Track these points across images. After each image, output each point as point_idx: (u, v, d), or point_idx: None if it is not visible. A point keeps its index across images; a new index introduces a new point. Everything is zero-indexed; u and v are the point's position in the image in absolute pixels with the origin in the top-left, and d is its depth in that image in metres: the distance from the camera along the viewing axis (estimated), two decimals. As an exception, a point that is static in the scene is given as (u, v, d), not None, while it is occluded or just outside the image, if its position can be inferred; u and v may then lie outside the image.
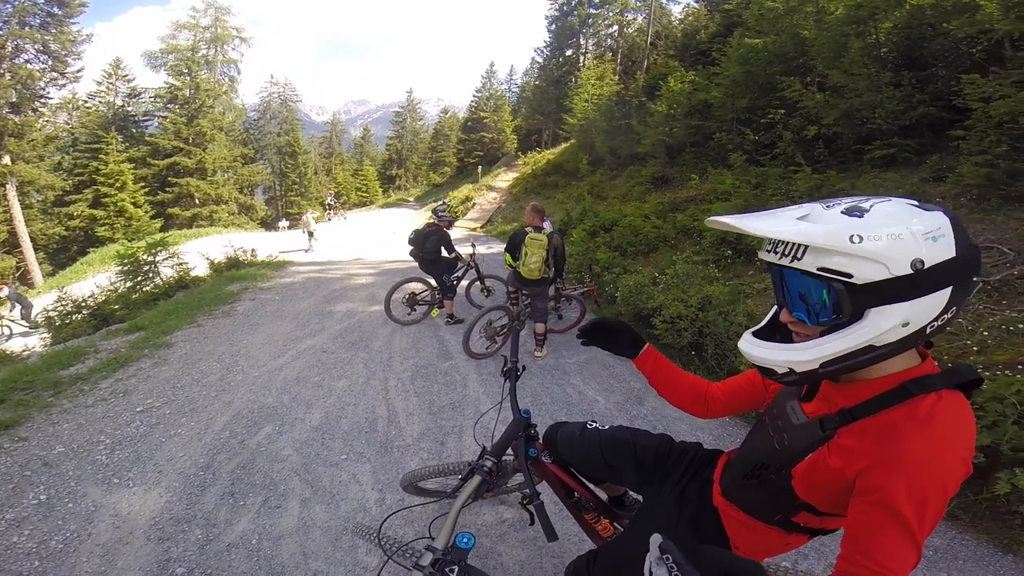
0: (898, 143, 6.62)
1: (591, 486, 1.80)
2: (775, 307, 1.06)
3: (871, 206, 0.85)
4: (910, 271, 0.80)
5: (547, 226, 6.15)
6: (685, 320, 4.77)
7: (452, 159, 44.52)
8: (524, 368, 1.82)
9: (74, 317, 8.38)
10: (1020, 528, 2.57)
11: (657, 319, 5.02)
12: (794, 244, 0.87)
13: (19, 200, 22.21)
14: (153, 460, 3.21)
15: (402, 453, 3.30)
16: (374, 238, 16.45)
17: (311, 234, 15.18)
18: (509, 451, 1.60)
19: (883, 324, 0.83)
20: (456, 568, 1.09)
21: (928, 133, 6.63)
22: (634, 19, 29.77)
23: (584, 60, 30.38)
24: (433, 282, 6.07)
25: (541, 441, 1.77)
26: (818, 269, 0.84)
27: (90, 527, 2.60)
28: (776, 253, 0.91)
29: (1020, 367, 3.10)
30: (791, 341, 0.97)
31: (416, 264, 5.94)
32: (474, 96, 41.90)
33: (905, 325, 0.83)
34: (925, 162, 6.18)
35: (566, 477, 1.73)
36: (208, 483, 2.98)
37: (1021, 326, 3.41)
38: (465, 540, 1.15)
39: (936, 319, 0.84)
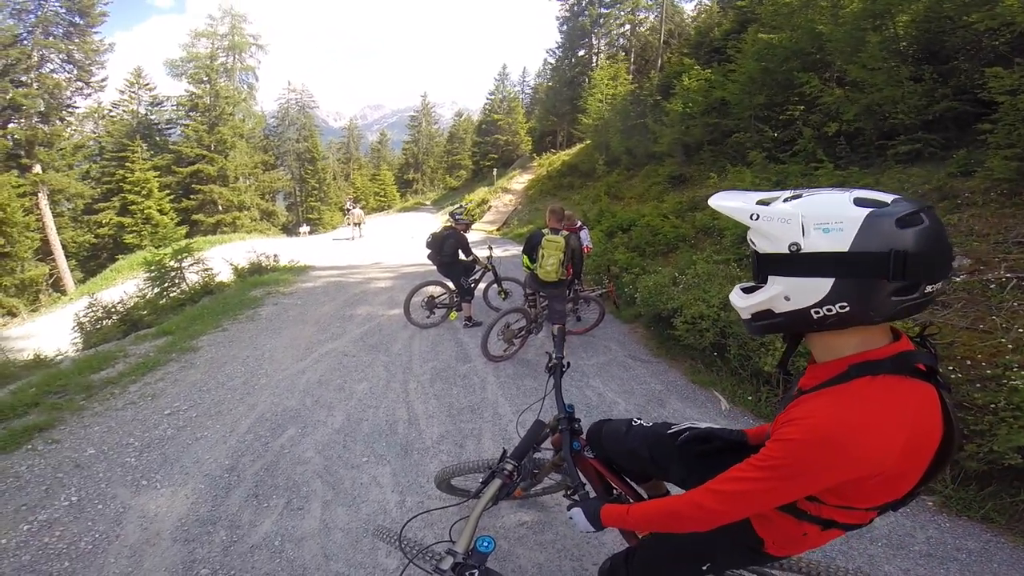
0: (923, 138, 6.44)
1: (632, 483, 1.80)
2: None
3: (809, 195, 0.94)
4: (786, 251, 0.92)
5: (584, 235, 6.15)
6: (707, 320, 4.70)
7: (467, 162, 44.71)
8: (569, 364, 1.85)
9: (104, 323, 8.65)
10: (1058, 533, 2.46)
11: (678, 320, 4.96)
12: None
13: (50, 208, 22.92)
14: (180, 462, 3.28)
15: (422, 455, 3.32)
16: (393, 242, 16.57)
17: (358, 225, 18.48)
18: (547, 446, 1.63)
19: (771, 291, 0.98)
20: (476, 572, 1.09)
21: (953, 127, 6.44)
22: (646, 18, 29.51)
23: (597, 60, 30.20)
24: (451, 285, 6.11)
25: (585, 436, 1.79)
26: (748, 237, 1.03)
27: (118, 528, 2.65)
28: None
29: (1056, 366, 2.98)
30: None
31: (434, 267, 5.98)
32: (487, 99, 41.92)
33: (787, 299, 0.96)
34: (952, 156, 6.00)
35: (607, 472, 1.74)
36: (233, 485, 3.04)
37: (1056, 324, 3.29)
38: (485, 544, 1.15)
39: (820, 306, 0.91)
